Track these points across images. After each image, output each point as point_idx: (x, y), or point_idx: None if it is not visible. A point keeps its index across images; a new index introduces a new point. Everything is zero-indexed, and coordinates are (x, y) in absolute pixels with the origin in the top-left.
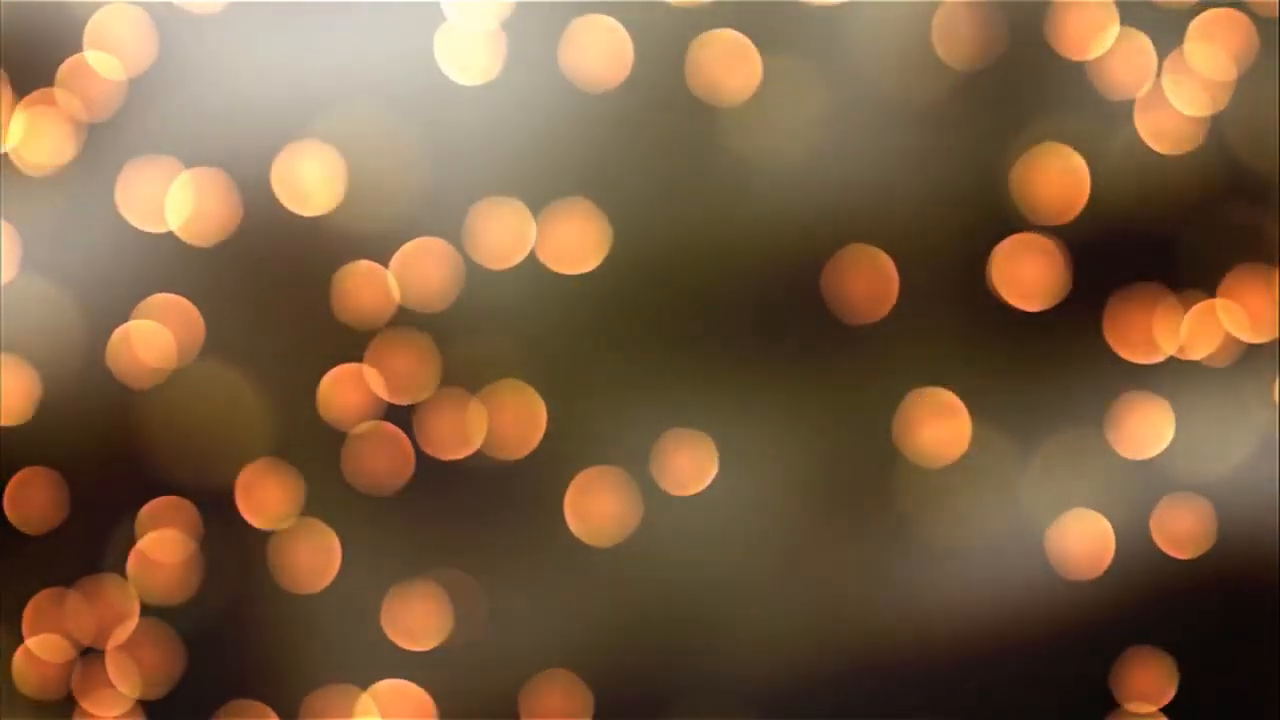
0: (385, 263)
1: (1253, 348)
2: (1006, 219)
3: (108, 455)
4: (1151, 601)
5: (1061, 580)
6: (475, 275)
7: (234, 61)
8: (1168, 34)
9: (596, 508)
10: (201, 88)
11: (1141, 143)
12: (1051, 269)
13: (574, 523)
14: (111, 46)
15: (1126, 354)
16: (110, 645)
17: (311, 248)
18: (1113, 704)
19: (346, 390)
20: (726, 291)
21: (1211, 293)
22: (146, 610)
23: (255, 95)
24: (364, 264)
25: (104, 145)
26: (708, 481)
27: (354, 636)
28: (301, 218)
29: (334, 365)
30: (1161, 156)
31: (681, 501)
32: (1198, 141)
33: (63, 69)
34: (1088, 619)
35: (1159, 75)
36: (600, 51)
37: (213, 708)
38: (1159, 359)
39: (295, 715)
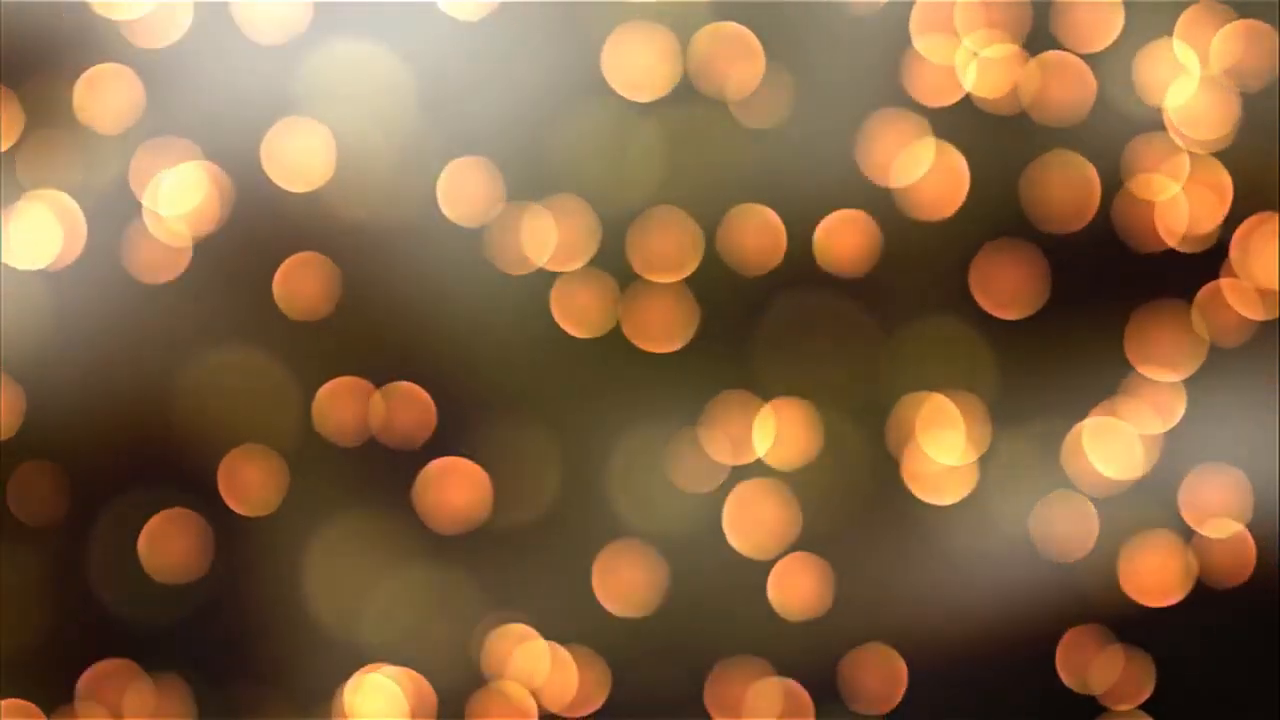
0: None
1: (1264, 326)
2: (1009, 220)
3: (107, 449)
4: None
5: (1050, 579)
6: (478, 275)
7: (229, 52)
8: (1168, 31)
9: (598, 505)
10: (198, 77)
11: (1150, 143)
12: (1051, 270)
13: (575, 519)
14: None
15: (1131, 352)
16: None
17: (311, 243)
18: (1094, 703)
19: (346, 395)
20: (725, 291)
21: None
22: (144, 599)
23: (253, 87)
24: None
25: (103, 141)
26: (717, 480)
27: (353, 629)
28: (299, 215)
29: (334, 359)
30: (1175, 152)
31: (687, 500)
32: (1222, 145)
33: (59, 65)
34: (1070, 617)
35: (1170, 77)
36: (599, 49)
37: (210, 696)
38: (1169, 356)
39: (296, 703)
